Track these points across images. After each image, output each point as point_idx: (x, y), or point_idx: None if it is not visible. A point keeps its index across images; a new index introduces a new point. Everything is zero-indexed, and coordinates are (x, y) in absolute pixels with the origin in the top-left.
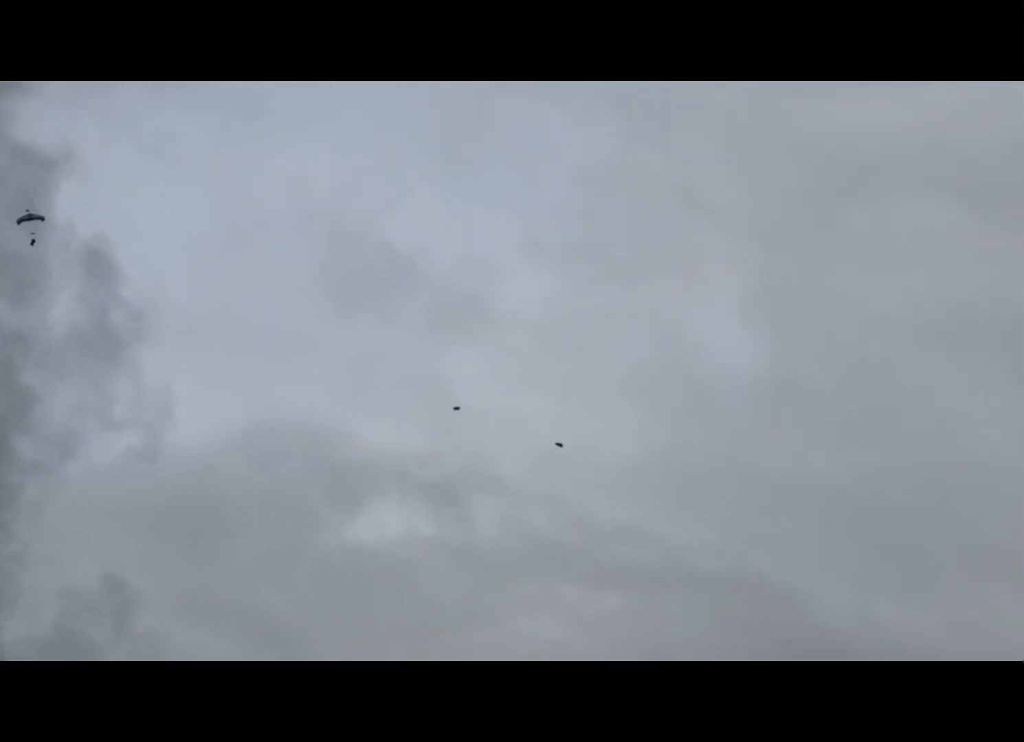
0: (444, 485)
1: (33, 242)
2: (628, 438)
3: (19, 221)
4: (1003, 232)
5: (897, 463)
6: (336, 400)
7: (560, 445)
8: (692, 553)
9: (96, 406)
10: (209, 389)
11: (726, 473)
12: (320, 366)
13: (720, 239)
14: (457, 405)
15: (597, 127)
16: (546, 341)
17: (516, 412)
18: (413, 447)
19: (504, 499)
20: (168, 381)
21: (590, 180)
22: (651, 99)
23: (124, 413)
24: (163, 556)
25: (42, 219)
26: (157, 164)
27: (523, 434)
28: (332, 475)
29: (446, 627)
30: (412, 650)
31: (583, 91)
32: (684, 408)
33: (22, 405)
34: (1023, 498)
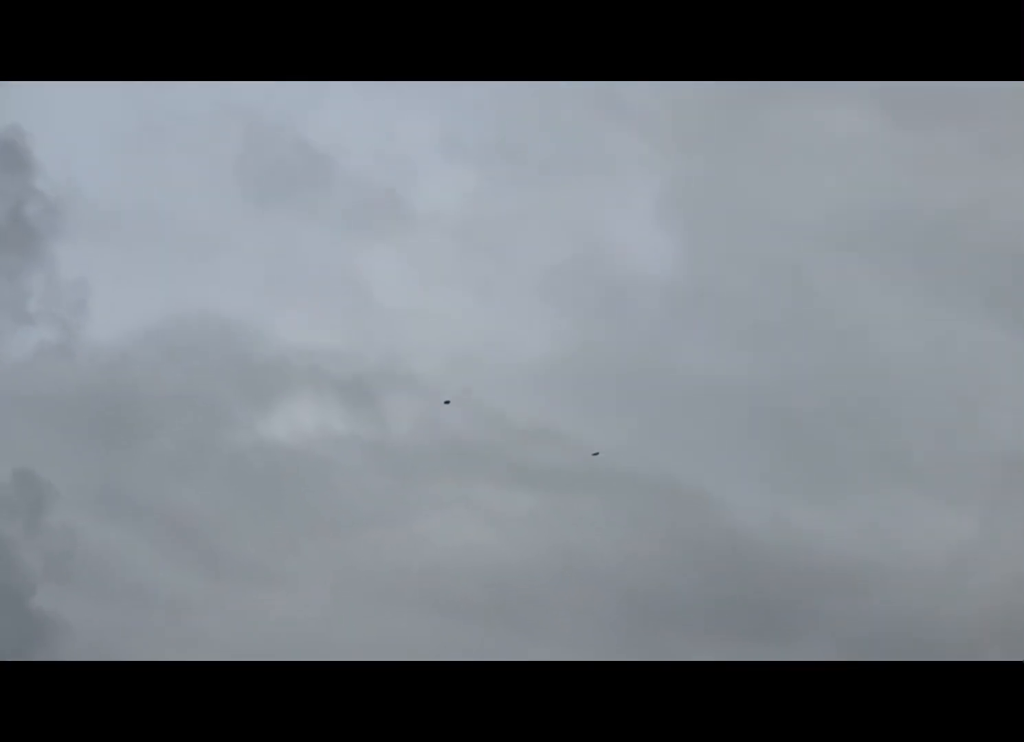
0: (359, 383)
1: None
2: (543, 338)
3: None
4: (920, 139)
5: (811, 368)
6: (251, 296)
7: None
8: (607, 454)
9: (9, 300)
10: (124, 284)
11: (641, 375)
12: (236, 262)
13: (638, 140)
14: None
15: None
16: (463, 240)
17: (432, 310)
18: (328, 344)
19: (419, 398)
20: (83, 275)
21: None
22: None
23: (38, 307)
24: (77, 451)
25: None
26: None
27: (439, 333)
28: (247, 371)
29: (359, 524)
30: (324, 546)
31: None
32: (600, 309)
33: None
34: (934, 404)
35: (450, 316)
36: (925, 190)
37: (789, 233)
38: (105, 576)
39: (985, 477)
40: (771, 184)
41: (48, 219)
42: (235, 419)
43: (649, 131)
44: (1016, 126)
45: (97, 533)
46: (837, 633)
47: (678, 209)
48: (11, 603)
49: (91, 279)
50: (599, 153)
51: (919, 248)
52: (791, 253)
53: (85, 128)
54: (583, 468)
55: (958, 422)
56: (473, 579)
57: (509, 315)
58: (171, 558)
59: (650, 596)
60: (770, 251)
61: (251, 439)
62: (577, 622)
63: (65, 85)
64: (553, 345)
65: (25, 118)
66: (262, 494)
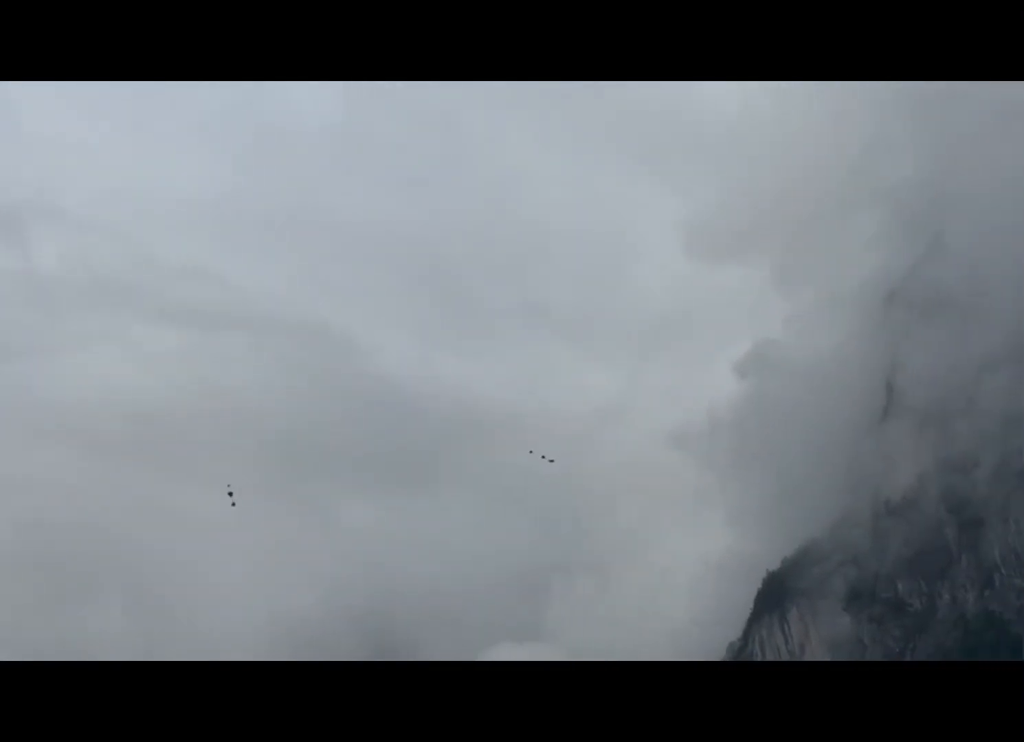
0: (5, 214)
1: None
2: (198, 177)
3: None
4: None
5: (463, 218)
6: None
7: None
8: (258, 295)
9: None
10: None
11: (295, 219)
12: None
13: None
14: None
15: None
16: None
17: (84, 143)
18: None
19: (68, 232)
20: None
21: None
22: None
23: None
24: None
25: None
26: None
27: (91, 166)
28: None
29: (5, 358)
30: None
31: None
32: (257, 152)
33: None
34: (584, 260)
35: (103, 150)
36: None
37: (443, 84)
38: None
39: (631, 334)
40: None
41: None
42: None
43: None
44: None
45: None
46: (483, 482)
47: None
48: None
49: None
50: None
51: (571, 103)
52: (445, 104)
53: None
54: (233, 308)
55: (607, 279)
56: (119, 415)
57: (165, 152)
58: None
59: (296, 440)
60: (426, 101)
61: None
62: (223, 462)
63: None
64: (210, 185)
65: None
66: None
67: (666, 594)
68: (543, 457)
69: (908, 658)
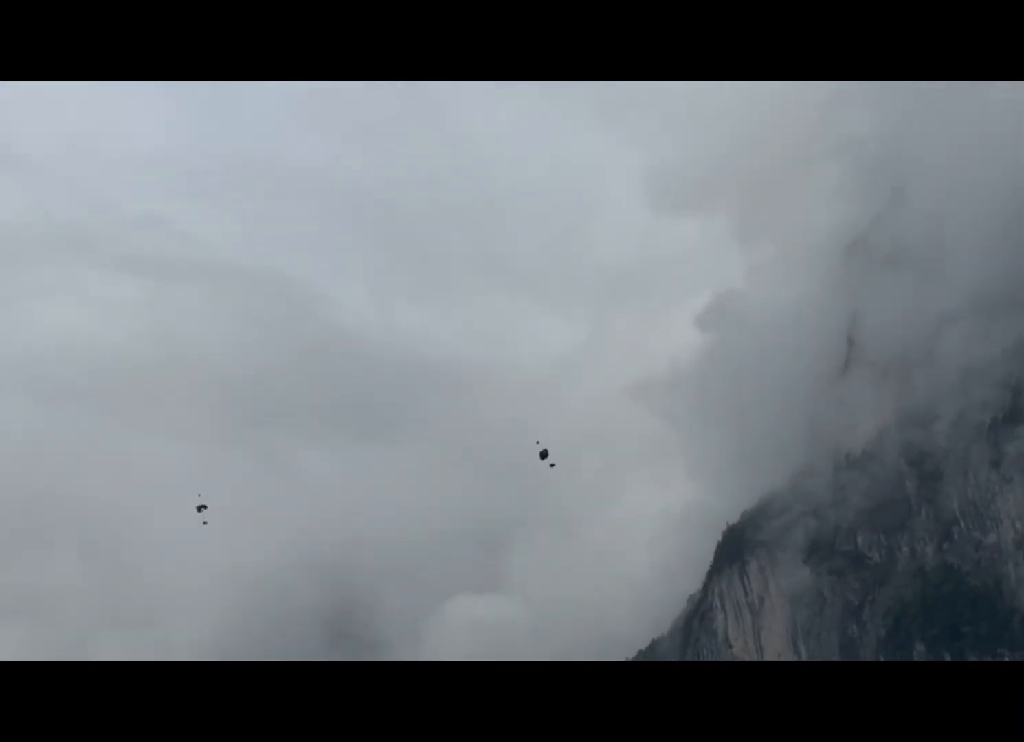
0: None
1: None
2: (157, 127)
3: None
4: None
5: (422, 168)
6: None
7: (547, 459)
8: (216, 245)
9: None
10: None
11: (254, 169)
12: None
13: None
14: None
15: None
16: None
17: (44, 93)
18: None
19: (26, 180)
20: None
21: None
22: None
23: None
24: None
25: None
26: None
27: (51, 115)
28: None
29: None
30: None
31: None
32: (215, 100)
33: None
34: (544, 212)
35: (64, 99)
36: None
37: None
38: None
39: (592, 287)
40: None
41: None
42: None
43: None
44: None
45: None
46: (442, 434)
47: None
48: None
49: None
50: None
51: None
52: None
53: None
54: (190, 258)
55: (567, 231)
56: (76, 366)
57: (124, 101)
58: None
59: (255, 390)
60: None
61: None
62: (180, 411)
63: None
64: (168, 135)
65: None
66: None
67: (627, 547)
68: (543, 457)
69: (866, 610)
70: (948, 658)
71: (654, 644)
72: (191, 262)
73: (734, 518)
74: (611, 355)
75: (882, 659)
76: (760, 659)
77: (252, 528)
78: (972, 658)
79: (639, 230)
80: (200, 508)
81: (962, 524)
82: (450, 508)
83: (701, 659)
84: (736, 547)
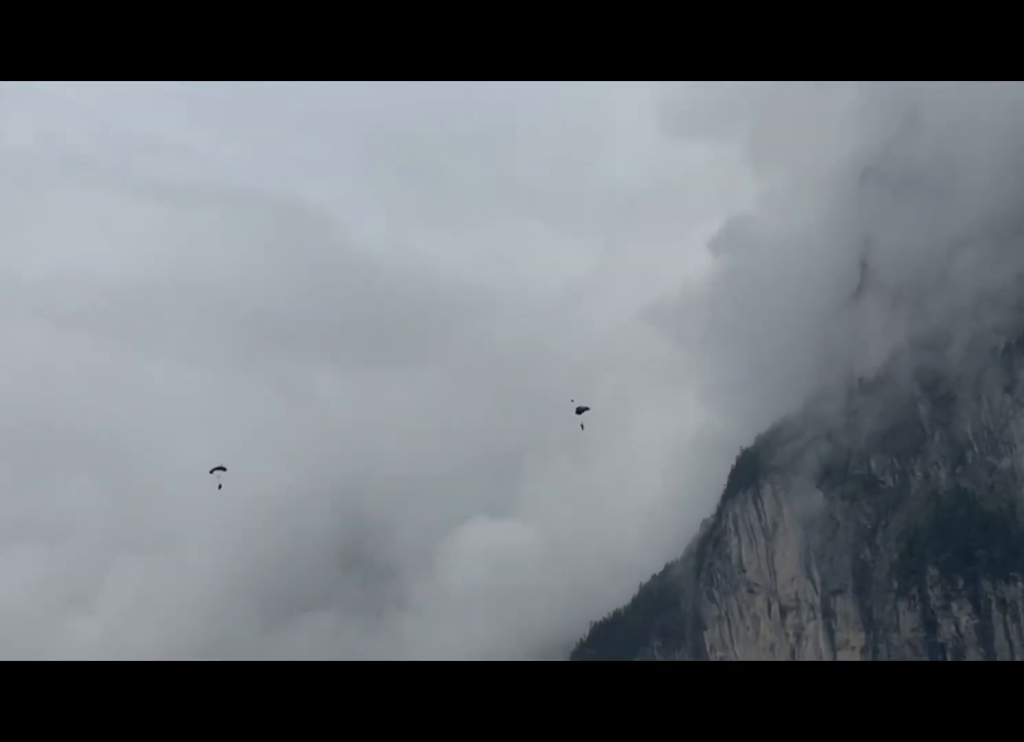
0: None
1: None
2: None
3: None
4: None
5: (436, 94)
6: None
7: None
8: (230, 172)
9: None
10: None
11: (268, 98)
12: None
13: None
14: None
15: None
16: None
17: None
18: None
19: (40, 107)
20: None
21: None
22: None
23: None
24: None
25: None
26: None
27: None
28: None
29: None
30: None
31: None
32: None
33: None
34: (554, 133)
35: None
36: None
37: None
38: None
39: (605, 211)
40: None
41: None
42: None
43: None
44: None
45: None
46: (456, 359)
47: None
48: None
49: None
50: None
51: None
52: None
53: None
54: (204, 184)
55: (580, 155)
56: (89, 291)
57: None
58: None
59: (268, 316)
60: None
61: None
62: (193, 337)
63: None
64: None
65: None
66: None
67: (640, 471)
68: (579, 411)
69: (879, 535)
70: (961, 582)
71: (667, 569)
72: (205, 188)
73: (748, 443)
74: (624, 279)
75: (895, 583)
76: (774, 583)
77: (266, 452)
78: (986, 581)
79: (652, 154)
80: (215, 470)
81: (975, 448)
82: (463, 432)
83: (715, 583)
84: (750, 472)
